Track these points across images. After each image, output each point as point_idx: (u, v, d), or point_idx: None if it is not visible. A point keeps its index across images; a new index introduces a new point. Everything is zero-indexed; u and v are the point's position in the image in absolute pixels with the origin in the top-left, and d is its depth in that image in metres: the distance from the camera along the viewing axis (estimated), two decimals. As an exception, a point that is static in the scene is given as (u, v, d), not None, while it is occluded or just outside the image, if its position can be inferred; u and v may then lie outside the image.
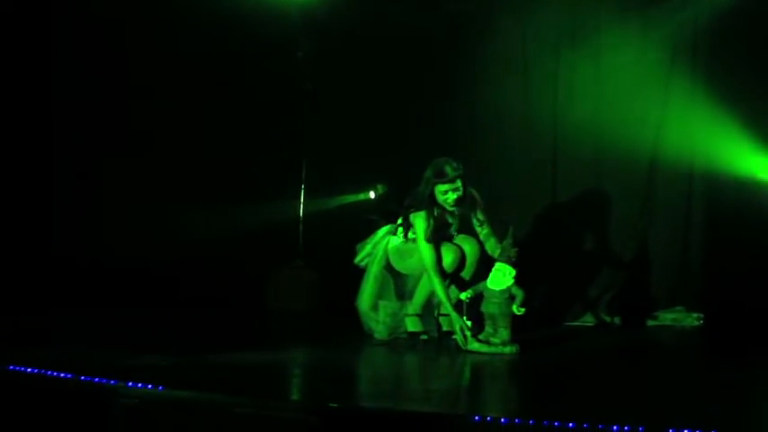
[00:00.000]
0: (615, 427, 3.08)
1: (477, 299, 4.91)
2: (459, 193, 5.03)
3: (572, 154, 6.29)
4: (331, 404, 3.47)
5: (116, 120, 6.98)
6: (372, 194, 6.75)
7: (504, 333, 4.78)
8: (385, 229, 5.41)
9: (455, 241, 5.23)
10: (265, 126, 6.80)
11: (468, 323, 4.92)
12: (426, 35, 6.57)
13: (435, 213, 5.11)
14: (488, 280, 4.83)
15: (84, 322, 5.64)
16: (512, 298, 4.78)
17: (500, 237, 5.02)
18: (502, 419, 3.19)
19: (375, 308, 5.26)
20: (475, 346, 4.79)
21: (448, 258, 5.08)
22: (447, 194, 5.03)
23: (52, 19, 6.95)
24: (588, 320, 6.11)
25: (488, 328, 4.81)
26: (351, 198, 6.83)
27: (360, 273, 5.37)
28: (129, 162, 6.89)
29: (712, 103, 5.83)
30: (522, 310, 4.77)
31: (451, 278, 5.18)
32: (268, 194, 6.80)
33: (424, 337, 5.22)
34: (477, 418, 3.23)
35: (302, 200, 6.75)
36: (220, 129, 6.86)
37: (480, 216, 5.21)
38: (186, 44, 6.74)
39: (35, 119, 6.87)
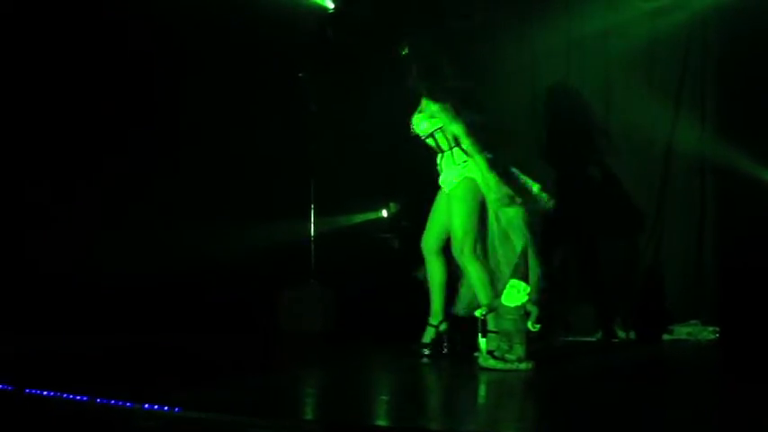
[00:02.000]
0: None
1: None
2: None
3: (582, 163, 6.31)
4: (348, 423, 3.46)
5: (127, 138, 6.95)
6: (385, 213, 6.75)
7: (519, 349, 4.76)
8: None
9: None
10: (275, 146, 6.81)
11: (483, 340, 4.90)
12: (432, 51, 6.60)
13: None
14: (503, 296, 4.81)
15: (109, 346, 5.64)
16: (526, 314, 4.76)
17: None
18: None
19: None
20: (490, 363, 4.78)
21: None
22: None
23: (66, 23, 6.85)
24: (603, 335, 6.08)
25: (503, 345, 4.79)
26: (362, 217, 6.84)
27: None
28: (140, 182, 6.86)
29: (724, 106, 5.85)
30: (537, 326, 4.75)
31: None
32: (278, 214, 6.80)
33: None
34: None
35: (313, 219, 6.74)
36: (229, 149, 6.88)
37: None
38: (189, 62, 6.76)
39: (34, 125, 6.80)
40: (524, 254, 4.84)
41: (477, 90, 5.35)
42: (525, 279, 4.78)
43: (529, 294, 4.77)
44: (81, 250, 6.43)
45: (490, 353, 4.81)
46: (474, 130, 5.10)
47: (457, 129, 5.11)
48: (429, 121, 5.25)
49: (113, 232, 6.57)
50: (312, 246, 6.72)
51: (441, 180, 5.30)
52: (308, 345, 6.11)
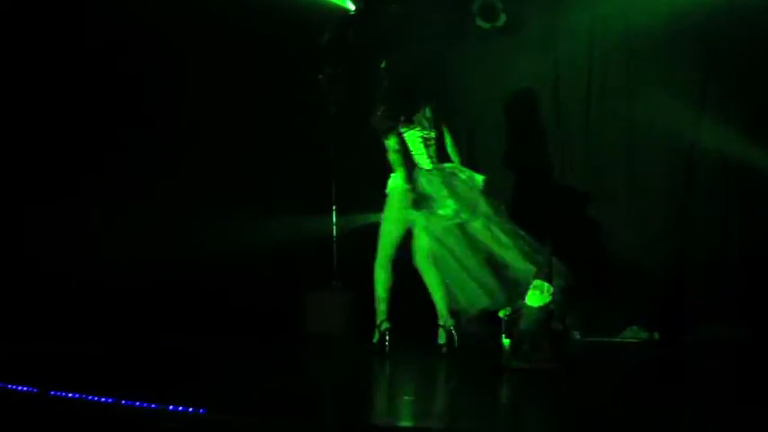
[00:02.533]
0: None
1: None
2: None
3: (606, 166, 6.28)
4: (369, 424, 3.47)
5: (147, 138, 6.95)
6: None
7: (543, 350, 4.74)
8: None
9: None
10: (292, 148, 6.83)
11: (507, 341, 4.89)
12: (453, 54, 6.63)
13: None
14: (527, 297, 4.80)
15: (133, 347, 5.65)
16: (550, 315, 4.74)
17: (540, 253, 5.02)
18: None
19: None
20: (514, 363, 4.76)
21: None
22: None
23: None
24: (628, 336, 6.03)
25: (527, 346, 4.78)
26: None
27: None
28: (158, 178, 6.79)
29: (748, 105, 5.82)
30: (560, 326, 4.74)
31: None
32: (298, 214, 6.78)
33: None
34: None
35: (334, 220, 6.74)
36: (247, 150, 6.88)
37: None
38: (213, 64, 6.76)
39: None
40: (549, 254, 4.83)
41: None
42: (549, 280, 4.78)
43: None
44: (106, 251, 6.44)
45: (514, 353, 4.80)
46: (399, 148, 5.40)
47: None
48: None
49: (134, 231, 6.57)
50: (334, 246, 6.73)
51: None
52: (331, 346, 6.11)
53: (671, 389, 4.56)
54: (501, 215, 5.35)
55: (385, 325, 5.46)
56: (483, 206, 5.32)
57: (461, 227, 5.30)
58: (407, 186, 5.34)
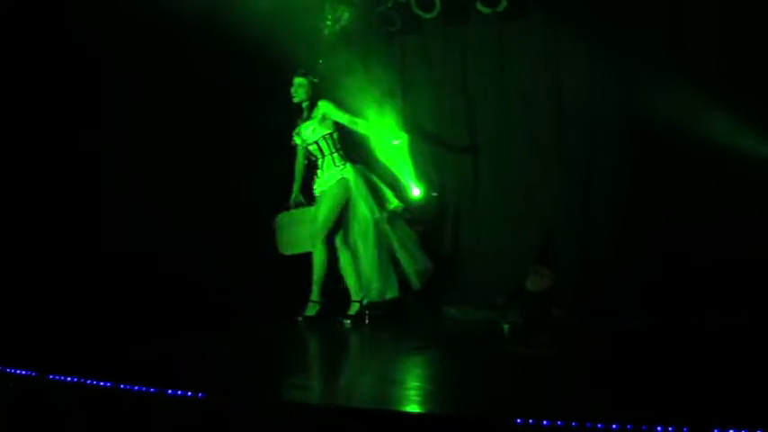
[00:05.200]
0: (659, 428, 3.07)
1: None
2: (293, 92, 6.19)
3: (609, 152, 6.32)
4: (374, 408, 3.49)
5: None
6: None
7: (543, 335, 4.76)
8: None
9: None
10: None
11: (506, 326, 4.92)
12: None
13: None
14: (527, 282, 4.82)
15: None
16: (550, 300, 4.77)
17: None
18: (544, 422, 3.19)
19: None
20: (513, 348, 4.79)
21: None
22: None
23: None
24: (627, 322, 6.04)
25: (527, 331, 4.80)
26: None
27: None
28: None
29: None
30: (559, 311, 4.76)
31: None
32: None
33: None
34: (519, 420, 3.23)
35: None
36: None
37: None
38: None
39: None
40: (548, 240, 4.86)
41: None
42: (548, 265, 4.79)
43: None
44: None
45: (511, 337, 4.83)
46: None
47: (347, 118, 6.10)
48: (319, 126, 6.13)
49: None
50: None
51: (319, 183, 6.20)
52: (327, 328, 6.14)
53: (672, 372, 4.59)
54: (402, 217, 6.18)
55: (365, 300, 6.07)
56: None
57: (376, 223, 6.06)
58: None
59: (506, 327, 4.92)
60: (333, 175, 6.13)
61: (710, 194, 5.76)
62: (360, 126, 6.12)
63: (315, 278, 6.05)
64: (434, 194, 6.65)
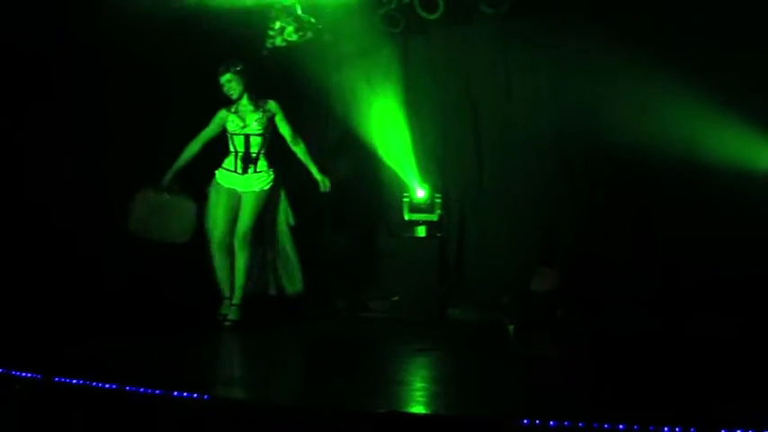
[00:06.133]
0: (666, 429, 3.08)
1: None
2: (228, 90, 5.82)
3: (610, 154, 6.30)
4: (380, 411, 3.49)
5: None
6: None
7: (546, 336, 4.77)
8: None
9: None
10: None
11: (511, 326, 4.92)
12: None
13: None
14: (531, 283, 4.83)
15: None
16: (554, 301, 4.77)
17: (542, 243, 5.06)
18: (551, 422, 3.20)
19: None
20: (519, 348, 4.79)
21: None
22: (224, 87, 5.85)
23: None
24: (624, 325, 6.02)
25: (532, 331, 4.81)
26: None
27: None
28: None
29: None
30: (560, 313, 4.77)
31: None
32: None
33: None
34: (526, 421, 3.23)
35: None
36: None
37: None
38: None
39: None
40: (549, 240, 4.86)
41: None
42: (553, 266, 4.81)
43: None
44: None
45: (516, 338, 4.83)
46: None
47: (290, 131, 5.94)
48: (266, 121, 5.85)
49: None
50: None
51: (234, 181, 5.85)
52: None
53: (671, 373, 4.59)
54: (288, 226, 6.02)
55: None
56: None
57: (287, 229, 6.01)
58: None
59: (511, 328, 4.92)
60: (264, 177, 5.86)
61: (710, 197, 5.81)
62: (299, 146, 5.96)
63: (238, 283, 5.84)
64: (437, 196, 6.60)
